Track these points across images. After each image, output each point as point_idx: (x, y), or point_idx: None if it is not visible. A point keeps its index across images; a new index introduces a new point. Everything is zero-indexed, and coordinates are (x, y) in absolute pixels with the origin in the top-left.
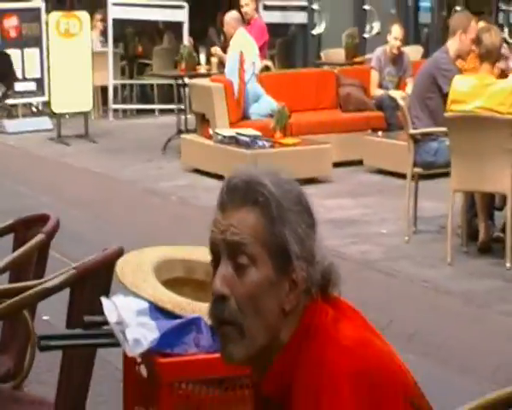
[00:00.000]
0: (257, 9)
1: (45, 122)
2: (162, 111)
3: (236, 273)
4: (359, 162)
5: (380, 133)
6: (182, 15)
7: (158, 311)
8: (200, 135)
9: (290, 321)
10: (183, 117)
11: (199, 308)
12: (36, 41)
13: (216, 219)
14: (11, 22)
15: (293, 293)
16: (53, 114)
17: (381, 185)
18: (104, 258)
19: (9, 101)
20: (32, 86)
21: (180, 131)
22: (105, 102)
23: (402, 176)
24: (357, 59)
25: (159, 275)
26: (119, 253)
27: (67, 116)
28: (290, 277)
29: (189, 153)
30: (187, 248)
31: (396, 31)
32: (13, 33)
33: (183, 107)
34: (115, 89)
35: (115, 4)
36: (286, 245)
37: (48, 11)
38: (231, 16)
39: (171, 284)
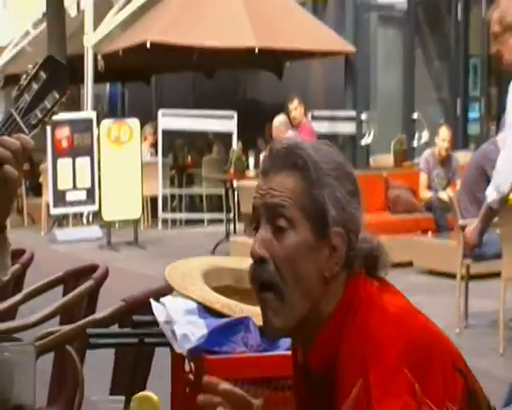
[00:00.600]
0: (305, 114)
1: (95, 231)
2: (211, 221)
3: (275, 237)
4: (409, 264)
5: (429, 234)
6: (231, 126)
7: (206, 311)
8: (249, 236)
9: (331, 292)
10: (231, 226)
11: (247, 310)
12: (87, 151)
13: (258, 184)
14: (63, 133)
15: (333, 260)
16: (103, 222)
17: (431, 285)
18: (152, 291)
19: (60, 210)
20: (82, 196)
21: (228, 235)
22: (154, 212)
23: (452, 276)
24: (406, 164)
25: (207, 282)
26: (168, 288)
27: (117, 226)
28: (330, 242)
29: (237, 255)
30: (236, 258)
31: (443, 133)
32: (65, 143)
33: (231, 216)
34: (164, 199)
35: (165, 115)
36: (324, 209)
37: (99, 122)
38: (280, 121)
39: (220, 292)
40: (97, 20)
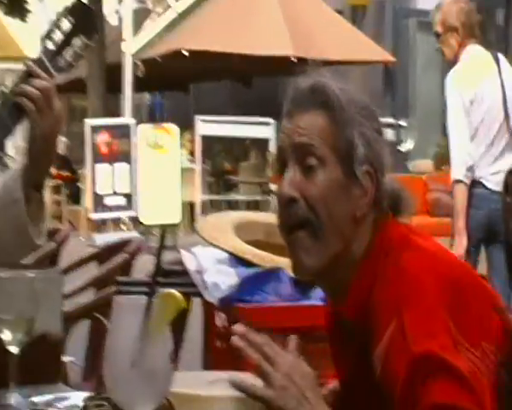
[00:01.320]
0: None
1: (134, 236)
2: None
3: (305, 176)
4: None
5: None
6: (268, 132)
7: (237, 261)
8: None
9: (361, 234)
10: None
11: (278, 260)
12: (126, 156)
13: (283, 125)
14: (103, 138)
15: (363, 199)
16: (142, 227)
17: None
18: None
19: (99, 216)
20: (121, 201)
21: None
22: (193, 218)
23: None
24: (445, 167)
25: (238, 236)
26: None
27: (155, 232)
28: (359, 181)
29: None
30: (267, 213)
31: None
32: (104, 149)
33: None
34: (203, 204)
35: (204, 121)
36: (354, 147)
37: (138, 124)
38: None
39: (251, 245)
40: (136, 28)
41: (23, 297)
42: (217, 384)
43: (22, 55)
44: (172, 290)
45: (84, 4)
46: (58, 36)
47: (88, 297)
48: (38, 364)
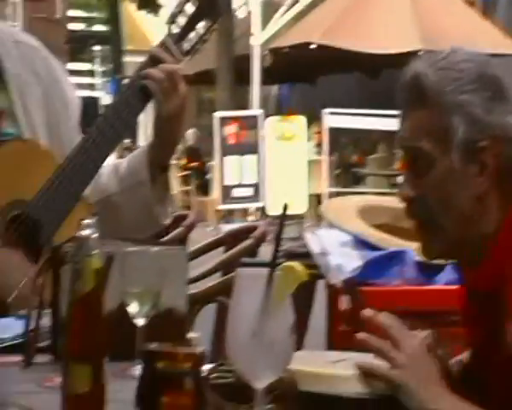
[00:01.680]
0: None
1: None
2: None
3: (418, 175)
4: None
5: None
6: (396, 124)
7: (361, 243)
8: None
9: (490, 207)
10: None
11: (404, 244)
12: (254, 148)
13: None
14: (231, 129)
15: (483, 176)
16: (268, 217)
17: None
18: None
19: (227, 206)
20: (249, 192)
21: None
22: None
23: None
24: None
25: (363, 219)
26: None
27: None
28: (475, 160)
29: None
30: (394, 198)
31: None
32: (232, 140)
33: None
34: (330, 197)
35: (332, 113)
36: (460, 132)
37: (265, 116)
38: None
39: (376, 229)
40: (265, 21)
41: (150, 272)
42: (340, 363)
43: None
44: (294, 262)
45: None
46: (182, 19)
47: (214, 281)
48: (163, 339)
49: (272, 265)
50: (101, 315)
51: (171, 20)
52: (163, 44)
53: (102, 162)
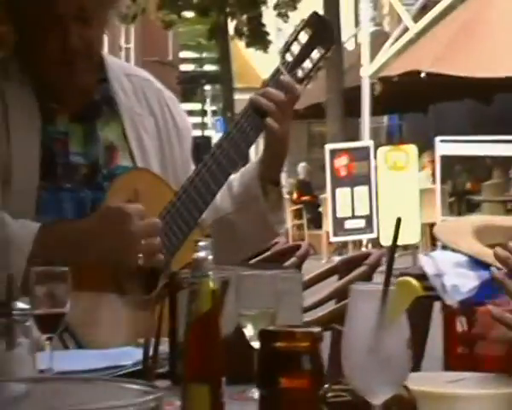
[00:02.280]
0: None
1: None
2: None
3: None
4: None
5: None
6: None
7: (477, 263)
8: None
9: None
10: None
11: None
12: (365, 179)
13: None
14: (342, 162)
15: None
16: (381, 248)
17: None
18: None
19: (340, 238)
20: (361, 223)
21: None
22: (434, 239)
23: None
24: None
25: (479, 239)
26: None
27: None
28: None
29: None
30: (510, 217)
31: None
32: (343, 172)
33: None
34: None
35: (444, 141)
36: None
37: (376, 147)
38: None
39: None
40: (374, 52)
41: (265, 295)
42: (460, 383)
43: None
44: (409, 278)
45: (321, 16)
46: (296, 48)
47: (328, 309)
48: None
49: (387, 281)
50: (219, 336)
51: (286, 48)
52: (277, 72)
53: (218, 189)
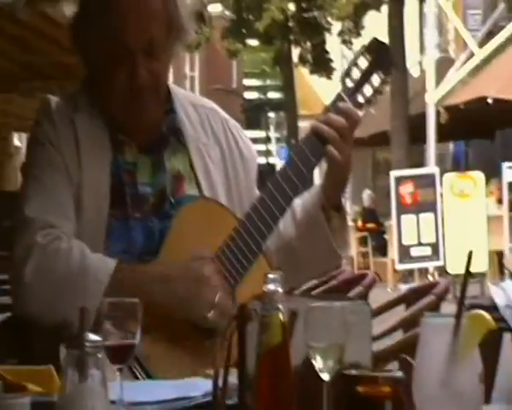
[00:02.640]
0: None
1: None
2: None
3: None
4: None
5: None
6: None
7: None
8: None
9: None
10: None
11: None
12: (431, 206)
13: None
14: (407, 189)
15: None
16: (449, 276)
17: None
18: None
19: (405, 266)
20: (427, 251)
21: None
22: (501, 267)
23: None
24: None
25: None
26: None
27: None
28: None
29: None
30: None
31: None
32: (409, 199)
33: None
34: None
35: (510, 167)
36: None
37: (442, 174)
38: None
39: None
40: (439, 78)
41: (334, 326)
42: None
43: None
44: (481, 311)
45: (381, 41)
46: (356, 73)
47: (396, 339)
48: None
49: (459, 315)
50: (289, 368)
51: (346, 74)
52: (338, 98)
53: (281, 216)
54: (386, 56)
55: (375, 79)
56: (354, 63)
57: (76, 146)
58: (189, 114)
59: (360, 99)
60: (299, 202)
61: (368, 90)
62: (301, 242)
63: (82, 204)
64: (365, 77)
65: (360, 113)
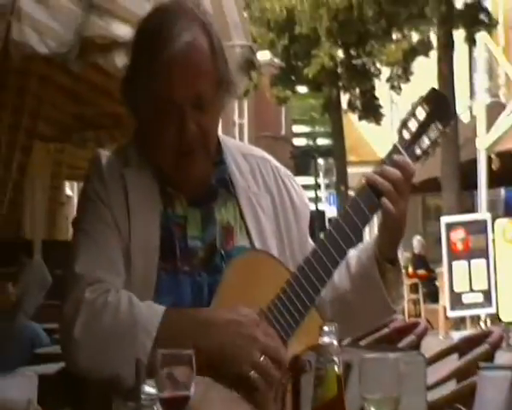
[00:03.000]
0: None
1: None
2: None
3: None
4: None
5: None
6: None
7: None
8: None
9: None
10: None
11: None
12: (482, 252)
13: None
14: (458, 235)
15: None
16: (501, 323)
17: None
18: None
19: (457, 313)
20: (479, 298)
21: None
22: None
23: None
24: None
25: None
26: None
27: None
28: None
29: None
30: None
31: None
32: (460, 246)
33: None
34: None
35: None
36: None
37: (493, 220)
38: None
39: None
40: (490, 124)
41: (388, 378)
42: None
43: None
44: None
45: (439, 92)
46: (413, 124)
47: (450, 388)
48: None
49: None
50: None
51: (403, 125)
52: (394, 149)
53: (335, 269)
54: (444, 107)
55: (433, 131)
56: (411, 114)
57: (126, 201)
58: (239, 164)
59: (417, 151)
60: (353, 255)
61: (425, 141)
62: (356, 295)
63: (132, 258)
64: (423, 128)
65: (416, 165)
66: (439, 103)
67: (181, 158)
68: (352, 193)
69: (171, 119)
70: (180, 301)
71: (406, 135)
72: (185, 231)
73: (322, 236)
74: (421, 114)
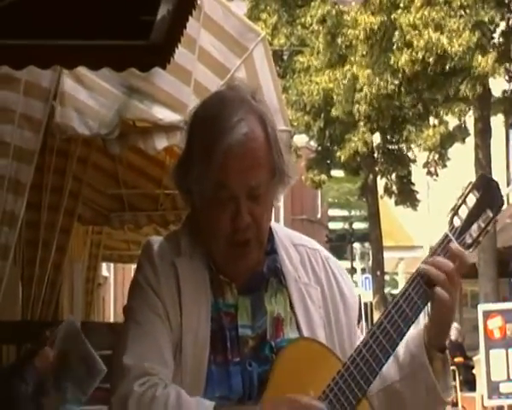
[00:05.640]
0: None
1: None
2: None
3: None
4: None
5: None
6: None
7: None
8: None
9: None
10: None
11: None
12: None
13: None
14: (496, 323)
15: None
16: None
17: None
18: None
19: (494, 402)
20: None
21: None
22: None
23: None
24: None
25: None
26: None
27: None
28: None
29: None
30: None
31: None
32: (497, 334)
33: None
34: None
35: None
36: None
37: None
38: None
39: None
40: None
41: None
42: None
43: (412, 244)
44: None
45: (489, 178)
46: (464, 212)
47: None
48: None
49: None
50: None
51: (454, 212)
52: (445, 238)
53: (386, 360)
54: (494, 193)
55: (483, 218)
56: (462, 201)
57: (177, 291)
58: (290, 254)
59: (468, 239)
60: (402, 343)
61: (475, 229)
62: (404, 384)
63: (182, 350)
64: (473, 215)
65: (468, 254)
66: (489, 189)
67: (235, 248)
68: (387, 278)
69: (225, 208)
70: (231, 392)
71: (457, 222)
72: (235, 319)
73: (374, 328)
74: (472, 200)
